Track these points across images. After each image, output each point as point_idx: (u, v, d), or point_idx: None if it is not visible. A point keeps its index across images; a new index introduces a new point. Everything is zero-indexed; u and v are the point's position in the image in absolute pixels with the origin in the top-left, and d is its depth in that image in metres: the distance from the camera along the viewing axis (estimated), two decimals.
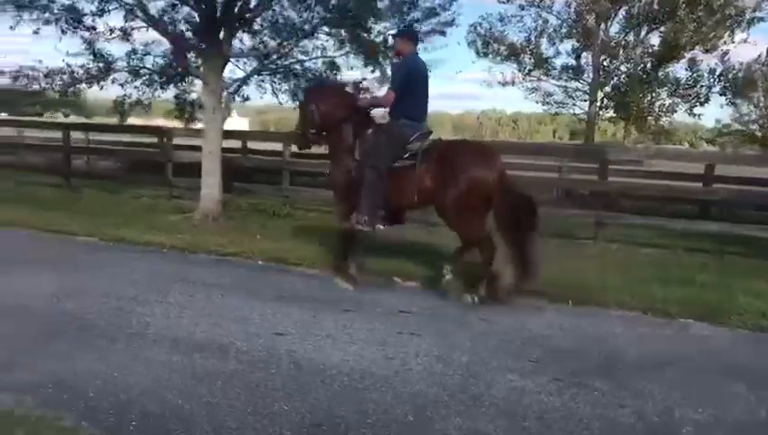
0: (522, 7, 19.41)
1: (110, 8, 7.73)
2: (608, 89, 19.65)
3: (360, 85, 8.44)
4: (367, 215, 4.90)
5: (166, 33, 7.88)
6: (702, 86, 18.54)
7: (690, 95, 18.83)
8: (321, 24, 7.85)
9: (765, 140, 20.51)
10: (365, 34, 7.38)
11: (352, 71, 8.44)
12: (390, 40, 7.16)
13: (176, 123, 10.13)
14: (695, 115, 19.27)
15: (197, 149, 8.47)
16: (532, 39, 19.69)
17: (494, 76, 21.13)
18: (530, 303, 4.80)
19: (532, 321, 4.40)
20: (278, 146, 10.69)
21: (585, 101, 20.65)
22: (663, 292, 5.11)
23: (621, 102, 19.14)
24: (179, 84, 8.69)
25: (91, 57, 8.13)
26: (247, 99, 9.27)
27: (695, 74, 18.45)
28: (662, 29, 17.97)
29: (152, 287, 4.83)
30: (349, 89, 7.78)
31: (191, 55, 8.17)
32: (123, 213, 8.36)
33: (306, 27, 7.96)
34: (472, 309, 4.63)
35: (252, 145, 12.73)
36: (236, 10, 7.59)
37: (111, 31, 8.04)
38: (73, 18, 7.76)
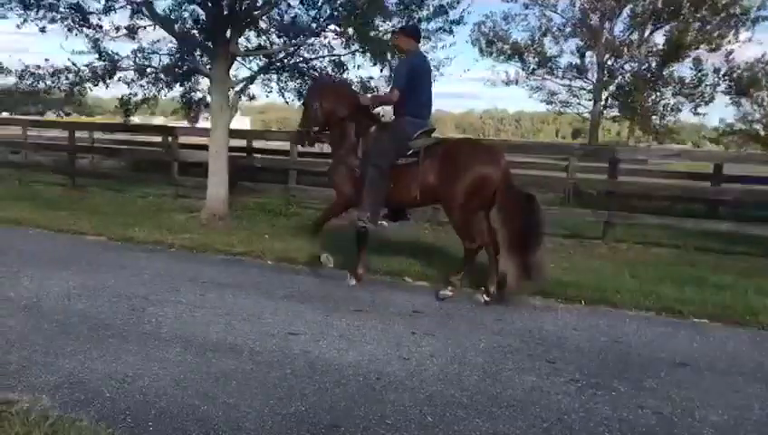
0: (526, 6, 19.44)
1: (117, 6, 7.72)
2: (612, 88, 19.64)
3: (368, 84, 8.41)
4: (369, 212, 4.90)
5: (172, 31, 7.86)
6: (707, 85, 18.51)
7: (695, 94, 18.80)
8: (328, 22, 7.83)
9: None
10: (373, 33, 7.34)
11: (359, 69, 8.43)
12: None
13: (179, 123, 10.13)
14: (699, 114, 19.26)
15: (203, 148, 8.46)
16: (536, 38, 19.68)
17: (498, 75, 21.15)
18: (542, 303, 4.78)
19: (547, 321, 4.38)
20: (281, 145, 10.70)
21: (589, 100, 20.64)
22: (675, 292, 5.09)
23: (626, 102, 19.12)
24: (185, 83, 8.67)
25: (97, 56, 8.12)
26: (253, 98, 9.26)
27: (699, 73, 18.42)
28: (667, 28, 17.94)
29: (163, 287, 4.81)
30: (354, 87, 7.77)
31: (198, 54, 8.15)
32: (130, 212, 8.35)
33: (313, 26, 7.94)
34: (485, 309, 4.61)
35: (255, 144, 12.71)
36: (243, 8, 7.57)
37: (117, 29, 8.03)
38: (80, 17, 7.75)
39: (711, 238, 7.53)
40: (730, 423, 2.94)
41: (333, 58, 8.35)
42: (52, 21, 7.70)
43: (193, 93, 8.91)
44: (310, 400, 2.99)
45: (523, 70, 20.40)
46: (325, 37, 8.22)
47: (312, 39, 8.19)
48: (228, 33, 7.70)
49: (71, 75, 8.17)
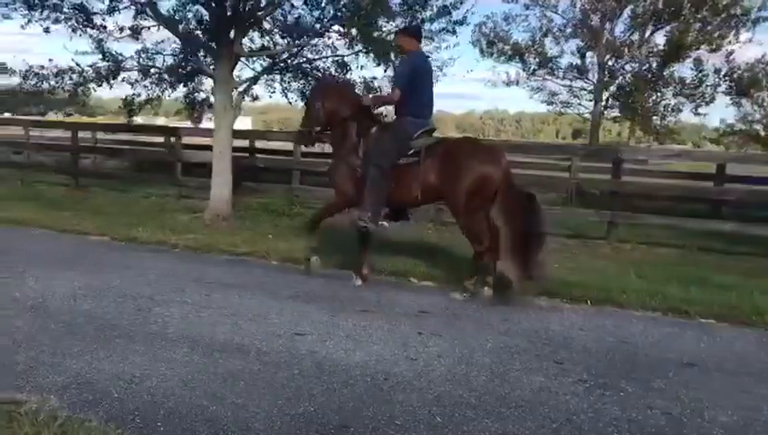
0: (526, 7, 19.46)
1: (121, 7, 7.72)
2: (613, 88, 19.66)
3: (371, 84, 8.42)
4: (370, 212, 4.90)
5: (176, 31, 7.86)
6: (707, 86, 18.54)
7: (695, 95, 18.83)
8: (332, 23, 7.83)
9: None
10: (376, 33, 7.34)
11: (362, 70, 8.43)
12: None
13: (182, 123, 10.13)
14: (700, 115, 19.29)
15: (207, 148, 8.45)
16: (537, 38, 19.70)
17: (499, 76, 21.16)
18: (548, 303, 4.78)
19: (553, 321, 4.38)
20: (282, 145, 10.68)
21: (590, 100, 20.66)
22: (681, 292, 5.08)
23: (626, 102, 19.15)
24: (189, 83, 8.67)
25: (101, 56, 8.12)
26: (257, 98, 9.26)
27: (700, 74, 18.45)
28: (667, 28, 17.97)
29: (168, 287, 4.81)
30: (357, 88, 7.77)
31: (202, 54, 8.15)
32: (133, 212, 8.35)
33: (317, 26, 7.94)
34: (492, 310, 4.61)
35: (258, 144, 12.71)
36: (247, 9, 7.57)
37: (121, 30, 8.03)
38: (83, 17, 7.75)
39: (714, 238, 7.53)
40: (740, 424, 2.94)
41: (337, 58, 8.35)
42: (56, 21, 7.71)
43: (196, 94, 8.92)
44: (318, 400, 2.99)
45: (524, 70, 20.45)
46: (329, 38, 8.24)
47: (316, 39, 8.19)
48: (232, 34, 7.71)
49: (74, 76, 8.19)
